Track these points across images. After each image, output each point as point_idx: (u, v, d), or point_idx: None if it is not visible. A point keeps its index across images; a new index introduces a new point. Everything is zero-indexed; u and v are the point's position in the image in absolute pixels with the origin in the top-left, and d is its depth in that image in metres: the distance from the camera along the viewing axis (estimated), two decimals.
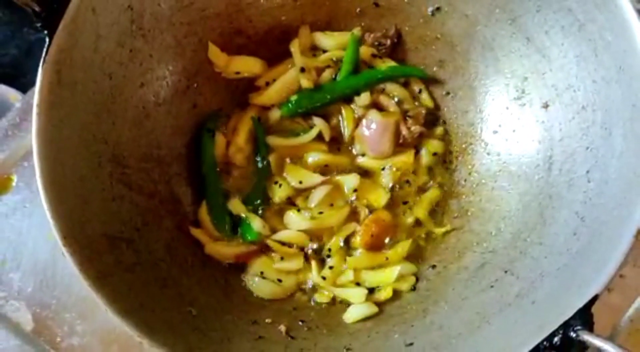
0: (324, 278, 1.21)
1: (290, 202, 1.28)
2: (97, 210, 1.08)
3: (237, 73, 1.31)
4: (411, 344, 1.09)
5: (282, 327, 1.13)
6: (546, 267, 1.05)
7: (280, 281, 1.21)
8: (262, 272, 1.21)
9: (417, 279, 1.23)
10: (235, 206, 1.25)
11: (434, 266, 1.23)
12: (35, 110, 1.04)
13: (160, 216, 1.20)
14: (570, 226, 1.03)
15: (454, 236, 1.26)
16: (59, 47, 1.03)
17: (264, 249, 1.24)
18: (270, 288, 1.20)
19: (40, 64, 1.04)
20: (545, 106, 1.19)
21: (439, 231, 1.26)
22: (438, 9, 1.29)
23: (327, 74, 1.33)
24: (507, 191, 1.22)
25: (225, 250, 1.21)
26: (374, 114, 1.28)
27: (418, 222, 1.27)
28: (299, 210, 1.25)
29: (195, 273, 1.18)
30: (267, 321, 1.15)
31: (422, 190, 1.30)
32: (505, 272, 1.12)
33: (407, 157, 1.29)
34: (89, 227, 1.05)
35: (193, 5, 1.26)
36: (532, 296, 1.04)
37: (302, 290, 1.23)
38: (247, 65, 1.32)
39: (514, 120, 1.25)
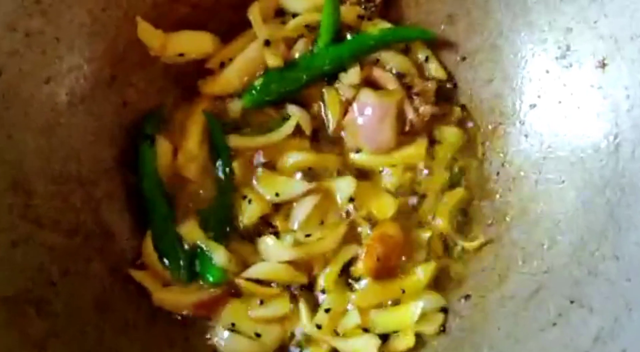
0: (318, 327, 0.89)
1: (265, 223, 0.97)
2: None
3: (181, 55, 1.01)
4: None
5: None
6: (632, 295, 0.79)
7: (258, 335, 0.90)
8: (233, 324, 0.89)
9: (447, 316, 0.92)
10: (190, 232, 0.94)
11: (467, 296, 0.94)
12: None
13: (86, 258, 0.92)
14: None
15: (489, 251, 0.97)
16: None
17: (233, 292, 0.91)
18: (245, 347, 0.89)
19: None
20: (602, 65, 0.91)
21: (469, 245, 0.93)
22: None
23: (300, 46, 1.03)
24: (558, 185, 0.94)
25: (179, 298, 0.91)
26: (367, 94, 0.98)
27: (439, 235, 0.95)
28: (277, 234, 0.95)
29: (139, 335, 0.89)
30: None
31: (440, 191, 0.97)
32: (572, 302, 0.84)
33: (416, 149, 1.00)
34: None
35: None
36: (619, 340, 0.77)
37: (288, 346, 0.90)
38: (192, 43, 1.02)
39: (559, 87, 0.96)
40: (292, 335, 0.92)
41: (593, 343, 0.78)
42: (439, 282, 0.95)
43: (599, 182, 0.88)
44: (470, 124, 1.02)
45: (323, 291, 0.93)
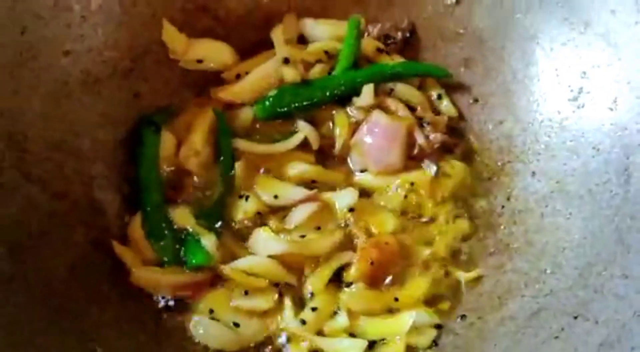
0: (303, 322, 0.81)
1: (260, 223, 0.93)
2: None
3: (199, 61, 1.00)
4: None
5: None
6: None
7: (237, 325, 0.82)
8: (211, 310, 0.81)
9: (440, 332, 0.85)
10: (181, 216, 0.90)
11: (463, 317, 0.86)
12: None
13: (68, 225, 0.87)
14: None
15: (490, 278, 0.91)
16: None
17: (216, 282, 0.84)
18: (221, 334, 0.83)
19: None
20: (614, 105, 0.91)
21: (467, 277, 0.88)
22: None
23: (317, 70, 1.03)
24: (565, 217, 0.90)
25: (159, 278, 0.84)
26: (379, 115, 0.97)
27: (437, 259, 0.90)
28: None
29: (111, 308, 0.80)
30: None
31: (444, 221, 0.94)
32: (575, 318, 0.77)
33: (423, 174, 0.97)
34: None
35: None
36: (628, 343, 0.72)
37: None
38: (212, 52, 1.03)
39: (570, 127, 0.95)
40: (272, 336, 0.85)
41: (599, 348, 0.71)
42: (433, 300, 0.88)
43: (608, 212, 0.85)
44: (477, 160, 1.00)
45: (312, 294, 0.86)
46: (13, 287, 0.73)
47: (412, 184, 0.94)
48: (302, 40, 1.06)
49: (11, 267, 0.74)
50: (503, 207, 0.95)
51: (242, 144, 0.96)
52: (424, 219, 0.94)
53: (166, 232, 0.89)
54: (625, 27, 0.89)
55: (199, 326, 0.82)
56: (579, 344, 0.74)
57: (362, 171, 0.97)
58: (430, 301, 0.88)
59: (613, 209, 0.85)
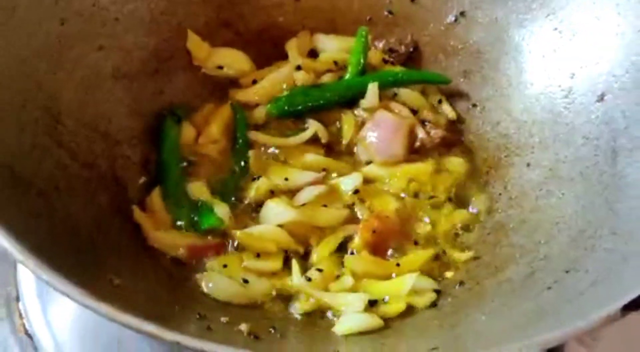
0: (308, 279, 0.86)
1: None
2: (6, 141, 0.83)
3: (220, 68, 1.09)
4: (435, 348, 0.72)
5: (244, 327, 0.77)
6: (629, 250, 0.79)
7: (246, 281, 0.86)
8: (225, 266, 0.86)
9: (439, 296, 0.88)
10: (197, 189, 0.96)
11: (461, 283, 0.90)
12: None
13: (93, 189, 0.93)
14: None
15: (486, 252, 0.94)
16: None
17: (226, 247, 0.90)
18: (230, 288, 0.87)
19: None
20: (601, 99, 0.98)
21: (463, 256, 0.92)
22: (462, 14, 1.11)
23: (327, 78, 1.11)
24: (558, 197, 0.95)
25: (175, 238, 0.90)
26: (382, 112, 1.04)
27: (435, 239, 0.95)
28: None
29: (129, 258, 0.86)
30: (222, 320, 0.79)
31: (443, 209, 0.98)
32: (567, 272, 0.81)
33: (424, 166, 1.02)
34: None
35: None
36: (615, 275, 0.74)
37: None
38: (232, 60, 1.12)
39: (561, 122, 1.01)
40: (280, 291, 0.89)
41: (589, 287, 0.74)
42: (432, 270, 0.92)
43: (598, 188, 0.90)
44: (475, 156, 1.05)
45: (318, 259, 0.91)
46: (42, 219, 0.78)
47: (413, 176, 1.00)
48: (314, 54, 1.14)
49: (40, 204, 0.79)
50: (500, 194, 1.00)
51: (256, 135, 1.03)
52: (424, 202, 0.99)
53: (183, 202, 0.94)
54: (608, 30, 0.97)
55: (210, 280, 0.87)
56: (570, 289, 0.77)
57: (367, 163, 1.03)
58: (431, 271, 0.92)
59: (602, 185, 0.89)
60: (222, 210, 0.92)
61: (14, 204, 0.75)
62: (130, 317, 0.60)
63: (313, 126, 1.04)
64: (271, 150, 1.03)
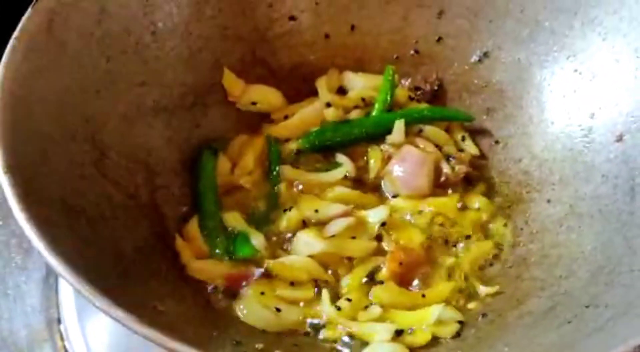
0: (338, 308, 0.90)
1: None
2: (59, 173, 0.89)
3: (253, 104, 1.14)
4: None
5: None
6: None
7: (279, 310, 0.90)
8: (262, 293, 0.92)
9: (463, 327, 0.91)
10: (233, 219, 1.01)
11: (484, 315, 0.93)
12: (12, 40, 0.89)
13: (135, 217, 0.97)
14: None
15: (509, 286, 0.97)
16: None
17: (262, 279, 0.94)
18: (264, 316, 0.90)
19: (32, 4, 0.92)
20: (620, 139, 1.02)
21: (487, 291, 0.96)
22: (486, 54, 1.15)
23: (355, 114, 1.16)
24: (578, 234, 0.99)
25: (213, 268, 0.94)
26: (408, 147, 1.08)
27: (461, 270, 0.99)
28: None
29: (168, 284, 0.90)
30: (257, 346, 0.83)
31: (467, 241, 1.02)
32: (587, 307, 0.84)
33: (449, 200, 1.06)
34: (43, 180, 0.85)
35: (214, 20, 1.14)
36: (633, 311, 0.77)
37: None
38: (265, 96, 1.17)
39: (581, 160, 1.05)
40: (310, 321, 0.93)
41: (606, 323, 0.78)
42: (456, 302, 0.96)
43: (616, 226, 0.93)
44: (498, 192, 1.09)
45: (347, 290, 0.95)
46: (91, 246, 0.82)
47: (438, 210, 1.04)
48: (343, 91, 1.19)
49: (88, 232, 0.84)
50: (522, 229, 1.04)
51: (288, 170, 1.08)
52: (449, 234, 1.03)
53: (219, 231, 0.99)
54: (627, 72, 1.02)
55: (245, 307, 0.91)
56: (590, 324, 0.80)
57: (394, 197, 1.07)
58: (453, 303, 0.96)
59: (621, 223, 0.93)
60: (258, 240, 0.97)
61: (68, 234, 0.79)
62: (178, 343, 0.64)
63: (345, 163, 1.09)
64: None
